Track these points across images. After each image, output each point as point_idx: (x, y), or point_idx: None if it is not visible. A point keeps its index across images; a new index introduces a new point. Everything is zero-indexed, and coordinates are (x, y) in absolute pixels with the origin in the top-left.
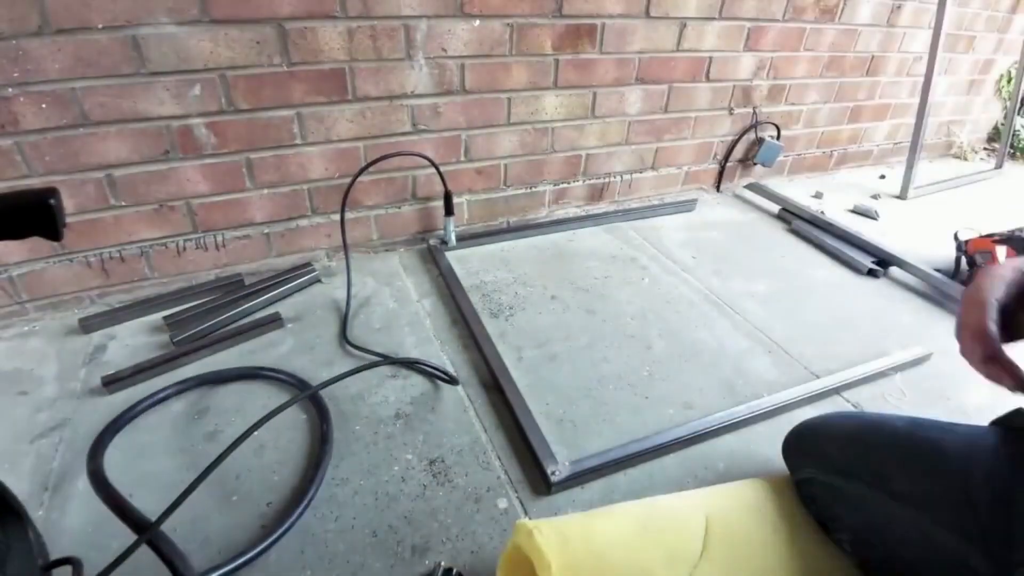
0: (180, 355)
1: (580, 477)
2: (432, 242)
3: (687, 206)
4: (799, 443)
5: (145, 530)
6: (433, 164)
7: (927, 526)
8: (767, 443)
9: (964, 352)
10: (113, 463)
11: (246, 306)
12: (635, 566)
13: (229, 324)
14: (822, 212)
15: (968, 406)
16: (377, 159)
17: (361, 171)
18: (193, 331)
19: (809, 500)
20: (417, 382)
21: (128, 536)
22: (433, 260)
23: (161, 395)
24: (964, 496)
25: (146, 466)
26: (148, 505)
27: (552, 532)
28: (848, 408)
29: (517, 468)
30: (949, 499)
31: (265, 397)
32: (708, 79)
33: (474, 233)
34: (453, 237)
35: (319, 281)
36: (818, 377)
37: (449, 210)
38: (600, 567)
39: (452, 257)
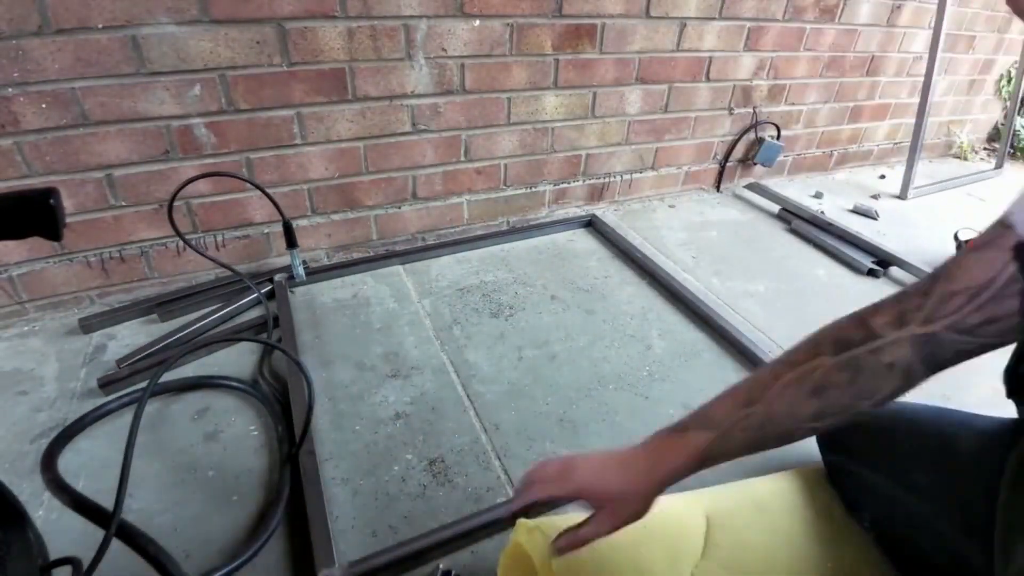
0: (177, 357)
1: None
2: (279, 278)
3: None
4: (831, 432)
5: (110, 519)
6: (262, 190)
7: (935, 519)
8: None
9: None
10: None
11: (243, 307)
12: (635, 565)
13: (223, 324)
14: (822, 212)
15: (968, 405)
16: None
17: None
18: (188, 331)
19: (836, 483)
20: (418, 382)
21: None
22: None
23: (108, 407)
24: (969, 494)
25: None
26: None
27: (553, 530)
28: None
29: (518, 469)
30: (957, 495)
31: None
32: (708, 79)
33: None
34: (302, 271)
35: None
36: None
37: (291, 242)
38: (600, 566)
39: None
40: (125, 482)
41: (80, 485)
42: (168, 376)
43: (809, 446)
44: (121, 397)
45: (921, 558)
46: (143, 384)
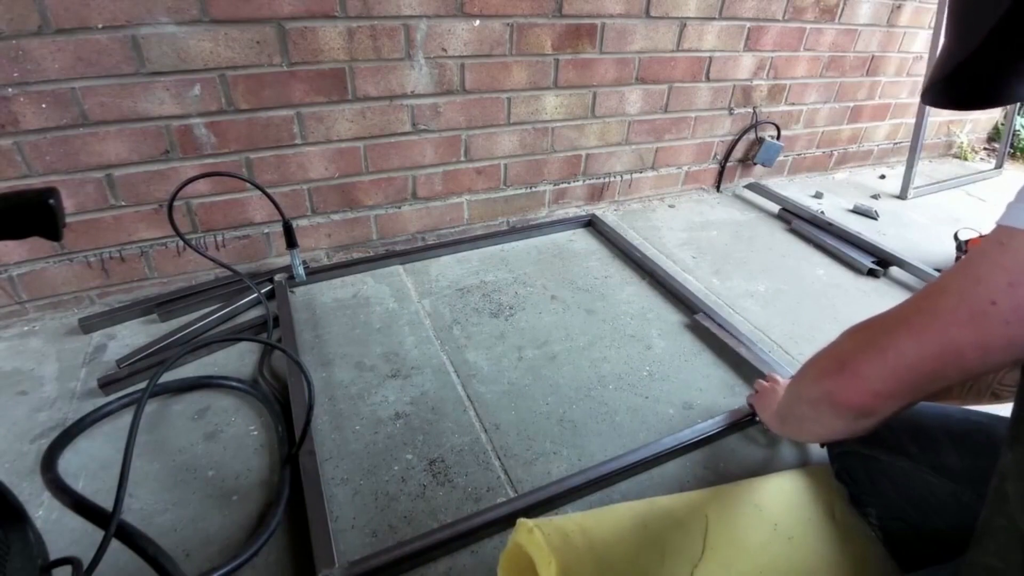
0: (177, 357)
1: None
2: (279, 278)
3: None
4: None
5: (109, 520)
6: (261, 189)
7: (968, 498)
8: (767, 442)
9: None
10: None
11: (243, 307)
12: (635, 565)
13: (223, 324)
14: (822, 212)
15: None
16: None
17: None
18: (188, 331)
19: (844, 473)
20: (418, 382)
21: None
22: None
23: (108, 408)
24: None
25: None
26: (134, 504)
27: (553, 530)
28: None
29: (518, 469)
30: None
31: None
32: (708, 79)
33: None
34: (302, 271)
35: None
36: None
37: (292, 242)
38: (601, 565)
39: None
40: (125, 482)
41: (80, 485)
42: (168, 376)
43: (810, 444)
44: (121, 398)
45: (930, 546)
46: (143, 384)
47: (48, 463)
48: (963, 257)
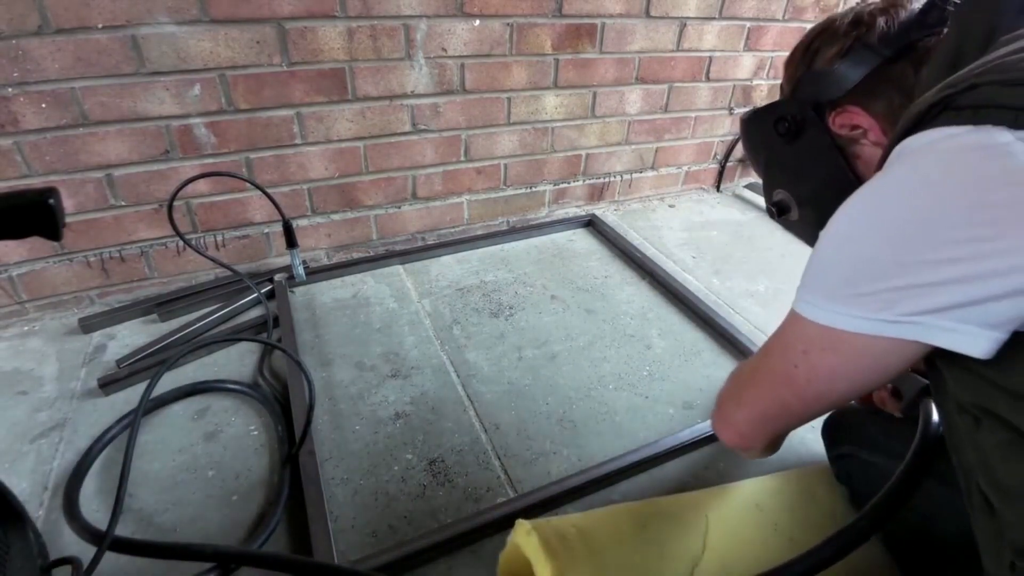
0: (177, 357)
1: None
2: (279, 277)
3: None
4: (842, 423)
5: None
6: (261, 189)
7: (962, 504)
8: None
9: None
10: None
11: (243, 307)
12: (635, 566)
13: (223, 324)
14: None
15: None
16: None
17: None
18: (188, 331)
19: (844, 475)
20: (418, 382)
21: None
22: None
23: (111, 434)
24: None
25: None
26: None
27: (551, 532)
28: None
29: (518, 469)
30: None
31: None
32: (708, 79)
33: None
34: (302, 271)
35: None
36: None
37: (292, 242)
38: (599, 567)
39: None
40: (120, 503)
41: (81, 484)
42: (168, 375)
43: (810, 445)
44: (121, 420)
45: (932, 549)
46: (144, 384)
47: (71, 509)
48: (782, 323)
